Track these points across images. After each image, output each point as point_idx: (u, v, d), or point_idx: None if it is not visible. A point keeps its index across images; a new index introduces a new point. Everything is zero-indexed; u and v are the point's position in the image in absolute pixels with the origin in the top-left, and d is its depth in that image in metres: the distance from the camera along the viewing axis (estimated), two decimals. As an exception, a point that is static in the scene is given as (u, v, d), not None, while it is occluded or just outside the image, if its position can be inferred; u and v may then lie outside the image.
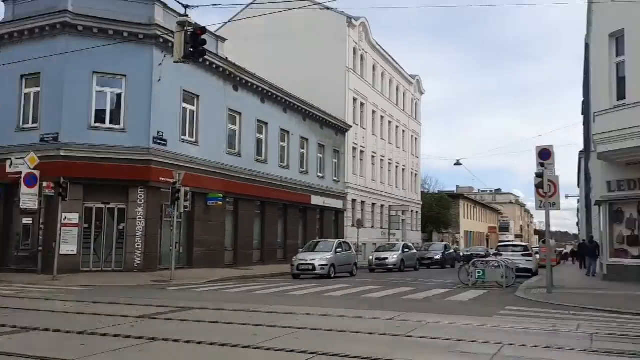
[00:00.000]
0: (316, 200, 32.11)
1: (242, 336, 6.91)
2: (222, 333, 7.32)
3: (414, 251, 30.20)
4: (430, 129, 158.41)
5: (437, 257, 31.60)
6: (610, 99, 16.45)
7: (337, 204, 34.97)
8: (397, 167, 47.31)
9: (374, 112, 42.40)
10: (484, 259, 18.52)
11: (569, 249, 60.29)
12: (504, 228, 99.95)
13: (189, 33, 12.14)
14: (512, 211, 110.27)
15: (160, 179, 19.76)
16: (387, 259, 26.46)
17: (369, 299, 12.73)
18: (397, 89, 48.33)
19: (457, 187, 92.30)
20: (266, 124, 27.84)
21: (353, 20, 38.03)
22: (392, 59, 46.34)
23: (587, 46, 27.45)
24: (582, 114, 42.57)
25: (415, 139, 53.16)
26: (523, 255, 22.58)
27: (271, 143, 28.24)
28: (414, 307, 11.07)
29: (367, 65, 41.35)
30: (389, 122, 45.72)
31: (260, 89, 27.00)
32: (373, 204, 41.66)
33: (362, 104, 40.20)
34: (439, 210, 57.91)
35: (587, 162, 32.07)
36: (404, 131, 49.41)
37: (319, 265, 20.40)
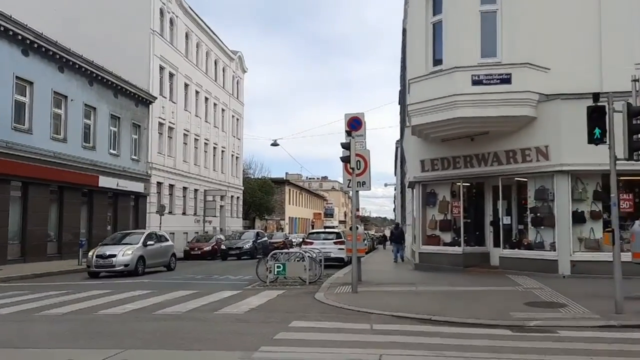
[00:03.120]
0: (106, 181, 26.60)
1: None
2: None
3: (169, 243, 20.96)
4: (259, 115, 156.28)
5: (247, 246, 27.93)
6: (426, 64, 14.52)
7: (136, 186, 29.75)
8: (215, 148, 43.18)
9: (187, 85, 37.65)
10: (286, 250, 15.59)
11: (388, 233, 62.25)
12: (329, 214, 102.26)
13: None
14: (337, 197, 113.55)
15: None
16: (115, 256, 17.40)
17: (102, 318, 8.65)
18: (216, 64, 44.07)
19: (287, 174, 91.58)
20: (31, 83, 21.68)
21: (160, -25, 32.83)
22: (210, 29, 41.89)
23: (404, 31, 26.60)
24: (399, 103, 43.36)
25: (237, 119, 49.54)
26: (335, 243, 20.34)
27: (39, 109, 22.14)
28: (155, 333, 7.32)
29: (179, 31, 36.41)
30: (206, 98, 41.33)
31: (21, 38, 20.80)
32: (184, 188, 37.06)
33: (171, 75, 35.22)
34: (261, 196, 55.24)
35: (402, 146, 31.69)
36: (223, 110, 45.41)
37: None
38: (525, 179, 14.12)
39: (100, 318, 8.69)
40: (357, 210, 13.20)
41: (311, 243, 20.44)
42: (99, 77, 26.28)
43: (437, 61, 14.22)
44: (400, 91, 39.80)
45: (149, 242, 18.88)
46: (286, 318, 8.28)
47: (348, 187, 12.87)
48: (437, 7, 14.08)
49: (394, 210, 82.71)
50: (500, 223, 14.43)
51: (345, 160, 11.54)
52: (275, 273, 13.66)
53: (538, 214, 13.63)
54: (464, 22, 13.39)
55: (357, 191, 13.05)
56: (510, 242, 14.33)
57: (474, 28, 13.34)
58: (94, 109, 26.23)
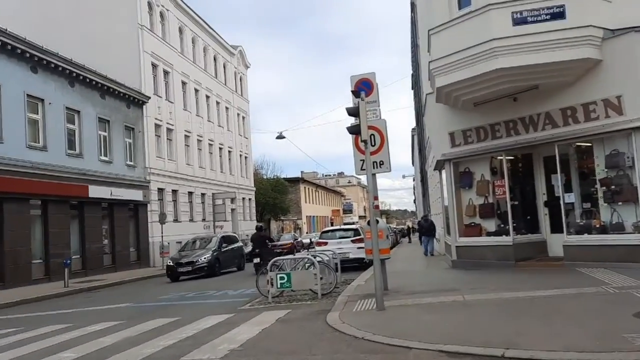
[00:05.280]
0: (98, 191, 24.04)
1: None
2: None
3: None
4: (271, 116, 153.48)
5: (203, 259, 20.00)
6: (450, 8, 11.49)
7: (134, 194, 27.17)
8: (221, 148, 40.51)
9: (184, 83, 35.02)
10: (291, 256, 12.67)
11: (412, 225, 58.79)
12: (348, 210, 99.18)
13: None
14: (355, 193, 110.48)
15: None
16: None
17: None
18: (216, 60, 41.38)
19: (302, 172, 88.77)
20: (-2, 85, 19.19)
21: (143, -36, 30.22)
22: (206, 23, 39.20)
23: (412, 5, 23.59)
24: (412, 88, 40.17)
25: (243, 117, 46.81)
26: (354, 241, 17.36)
27: (11, 114, 19.62)
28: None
29: (171, 25, 33.77)
30: (207, 96, 38.67)
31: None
32: (190, 193, 34.42)
33: (166, 72, 32.60)
34: (275, 196, 52.46)
35: (419, 133, 28.55)
36: (227, 108, 42.72)
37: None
38: (590, 143, 10.98)
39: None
40: (376, 198, 10.23)
41: (325, 243, 17.51)
42: (81, 77, 23.71)
43: (465, 2, 11.18)
44: (412, 75, 36.79)
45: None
46: (280, 365, 5.39)
47: (362, 169, 9.93)
48: None
49: (414, 201, 79.48)
50: (561, 202, 11.29)
51: (354, 131, 8.57)
52: (279, 286, 10.78)
53: (612, 187, 10.50)
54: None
55: (374, 174, 10.12)
56: (576, 225, 11.20)
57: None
58: (78, 112, 23.67)
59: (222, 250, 21.52)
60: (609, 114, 10.18)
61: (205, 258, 20.21)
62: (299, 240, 34.85)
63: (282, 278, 10.75)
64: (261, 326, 7.90)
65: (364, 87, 9.98)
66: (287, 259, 11.95)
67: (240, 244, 23.93)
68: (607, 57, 10.08)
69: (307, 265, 11.68)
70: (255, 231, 19.32)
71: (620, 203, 10.38)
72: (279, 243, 28.49)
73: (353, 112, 8.47)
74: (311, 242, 19.74)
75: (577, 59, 10.05)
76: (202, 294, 13.60)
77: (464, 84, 11.01)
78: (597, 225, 10.73)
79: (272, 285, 10.81)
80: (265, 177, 57.06)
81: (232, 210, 41.20)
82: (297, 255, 13.50)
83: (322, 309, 9.18)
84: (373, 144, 10.08)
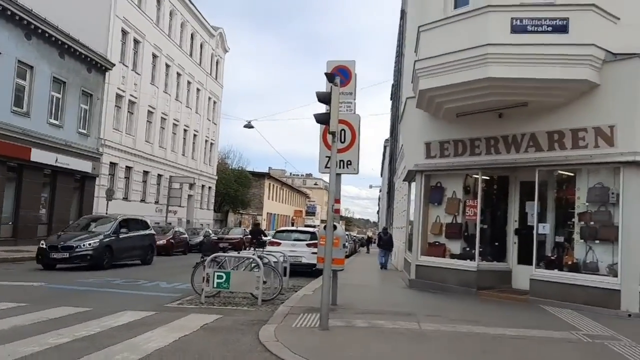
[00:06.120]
0: (42, 156, 22.15)
1: None
2: None
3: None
4: (246, 110, 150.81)
5: (88, 244, 15.10)
6: (445, 6, 10.50)
7: (82, 165, 25.28)
8: (186, 131, 38.79)
9: (155, 56, 33.24)
10: (234, 254, 11.41)
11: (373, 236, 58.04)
12: (311, 212, 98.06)
13: None
14: (320, 196, 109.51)
15: None
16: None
17: None
18: (193, 37, 39.64)
19: (270, 168, 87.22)
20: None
21: None
22: (188, -3, 37.52)
23: (402, 13, 22.78)
24: (391, 99, 39.40)
25: (215, 102, 45.14)
26: (309, 245, 16.20)
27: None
28: None
29: (149, -7, 31.99)
30: (178, 74, 36.93)
31: None
32: (146, 172, 32.64)
33: (136, 42, 30.78)
34: (237, 188, 50.89)
35: (395, 136, 27.71)
36: (198, 90, 41.00)
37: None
38: (574, 173, 10.15)
39: None
40: (337, 201, 9.11)
41: (278, 244, 16.31)
42: (39, 31, 21.81)
43: (462, 2, 10.21)
44: (393, 84, 36.01)
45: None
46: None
47: (326, 167, 8.82)
48: None
49: (378, 212, 78.91)
50: (534, 232, 10.41)
51: (322, 120, 7.40)
52: (215, 285, 9.53)
53: (591, 223, 9.66)
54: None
55: (339, 174, 9.01)
56: (547, 259, 10.34)
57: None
58: (31, 67, 21.73)
59: (120, 237, 16.52)
60: (599, 144, 9.34)
61: (89, 244, 15.08)
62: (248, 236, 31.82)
63: (219, 277, 9.50)
64: (180, 333, 6.64)
65: (340, 75, 8.84)
66: (230, 257, 10.70)
67: (151, 231, 19.21)
68: (605, 81, 9.24)
69: (252, 265, 10.48)
70: (253, 226, 17.82)
71: (597, 241, 9.55)
72: (226, 237, 27.02)
73: (323, 97, 7.31)
74: (255, 240, 17.93)
75: (574, 79, 9.17)
76: (131, 283, 12.16)
77: (450, 89, 10.02)
78: (570, 262, 9.88)
79: (207, 283, 9.56)
80: (230, 167, 55.38)
81: (190, 196, 39.51)
82: (242, 253, 12.21)
83: (258, 318, 7.99)
84: (343, 140, 9.01)
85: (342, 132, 8.95)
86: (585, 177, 9.88)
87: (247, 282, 9.66)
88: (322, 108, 7.97)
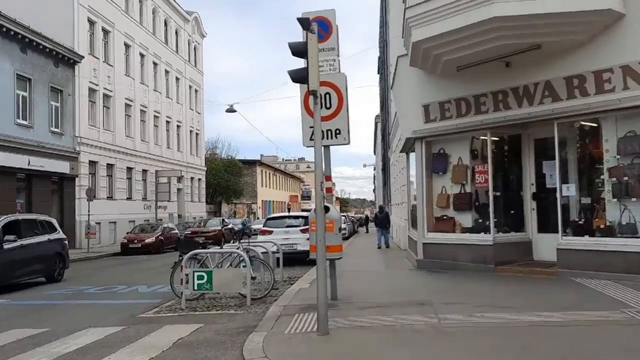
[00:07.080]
0: (11, 159, 20.57)
1: None
2: None
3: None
4: (233, 97, 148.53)
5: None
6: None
7: (59, 166, 23.72)
8: (168, 122, 37.13)
9: (127, 46, 31.45)
10: (217, 249, 10.04)
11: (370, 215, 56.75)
12: (306, 196, 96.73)
13: None
14: (314, 179, 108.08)
15: None
16: None
17: None
18: (167, 24, 37.77)
19: (262, 155, 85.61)
20: None
21: None
22: (157, -19, 35.57)
23: None
24: (378, 72, 37.80)
25: (196, 90, 43.35)
26: (303, 231, 14.84)
27: None
28: None
29: (114, -22, 30.11)
30: (155, 63, 35.15)
31: None
32: (129, 168, 31.09)
33: (105, 31, 28.98)
34: (228, 178, 49.37)
35: (387, 110, 26.26)
36: (178, 79, 39.23)
37: None
38: (597, 124, 8.79)
39: None
40: (328, 178, 7.75)
41: (270, 232, 14.96)
42: (-5, 24, 20.15)
43: None
44: (379, 57, 34.42)
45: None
46: None
47: (311, 139, 7.41)
48: None
49: (374, 191, 77.60)
50: (558, 195, 9.06)
51: (300, 77, 5.93)
52: (196, 287, 8.18)
53: (625, 178, 8.33)
54: None
55: (327, 146, 7.65)
56: (575, 224, 9.01)
57: None
58: (-10, 65, 20.14)
59: (4, 247, 11.25)
60: (628, 85, 7.97)
61: None
62: (229, 226, 28.79)
63: (200, 277, 8.17)
64: (145, 355, 5.31)
65: (320, 29, 7.39)
66: (213, 252, 9.34)
67: (59, 235, 13.90)
68: (633, 10, 7.84)
69: (239, 260, 9.13)
70: None
71: (634, 199, 8.23)
72: (201, 230, 25.46)
73: (298, 48, 5.86)
74: (242, 231, 15.53)
75: (597, 9, 7.76)
76: (106, 291, 10.80)
77: (448, 37, 8.58)
78: (602, 226, 8.57)
79: (187, 285, 8.22)
80: (219, 157, 53.79)
81: (179, 190, 38.01)
82: (225, 248, 10.86)
83: (245, 324, 6.68)
84: (328, 105, 7.61)
85: (327, 95, 7.55)
86: (614, 126, 8.52)
87: (232, 280, 8.31)
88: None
